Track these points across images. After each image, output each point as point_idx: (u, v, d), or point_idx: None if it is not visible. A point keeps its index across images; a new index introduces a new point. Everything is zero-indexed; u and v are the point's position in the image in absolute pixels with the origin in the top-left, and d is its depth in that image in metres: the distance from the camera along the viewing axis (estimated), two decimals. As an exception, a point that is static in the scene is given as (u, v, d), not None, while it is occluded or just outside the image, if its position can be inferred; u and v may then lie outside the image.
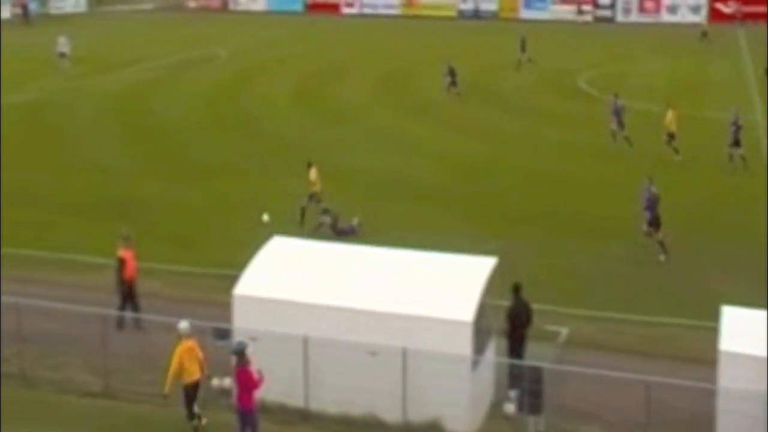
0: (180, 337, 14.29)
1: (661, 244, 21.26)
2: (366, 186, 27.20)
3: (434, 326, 13.98)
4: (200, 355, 14.42)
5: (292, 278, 15.40)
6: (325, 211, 23.02)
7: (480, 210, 24.88)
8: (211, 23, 65.78)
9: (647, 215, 21.42)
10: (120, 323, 17.40)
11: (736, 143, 28.28)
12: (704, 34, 54.84)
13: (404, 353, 13.85)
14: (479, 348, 14.35)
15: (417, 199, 25.83)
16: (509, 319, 15.43)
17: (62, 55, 47.17)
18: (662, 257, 21.16)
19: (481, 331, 14.36)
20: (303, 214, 23.43)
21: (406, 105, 38.74)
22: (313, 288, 15.06)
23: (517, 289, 15.70)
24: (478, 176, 28.17)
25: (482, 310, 14.38)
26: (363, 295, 14.75)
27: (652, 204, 21.35)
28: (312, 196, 23.64)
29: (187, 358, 14.20)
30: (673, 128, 29.26)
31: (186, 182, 27.77)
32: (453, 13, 68.11)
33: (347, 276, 15.36)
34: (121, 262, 17.84)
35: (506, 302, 15.58)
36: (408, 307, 14.33)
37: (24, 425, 14.60)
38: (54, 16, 67.23)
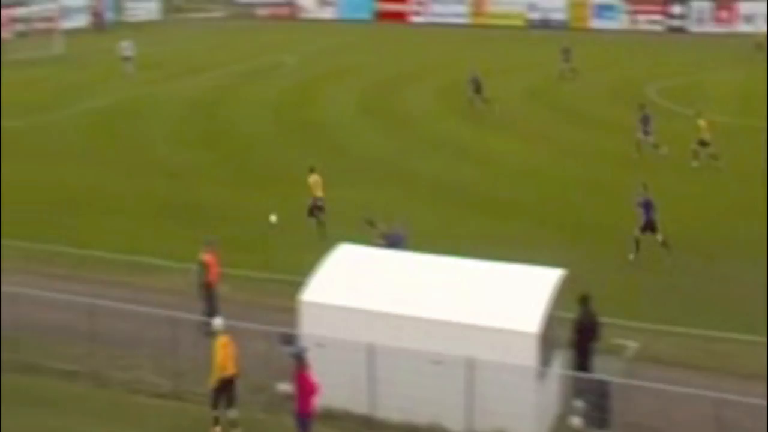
0: (216, 333, 14.57)
1: (664, 244, 21.72)
2: (431, 195, 27.23)
3: (500, 337, 13.96)
4: (234, 351, 14.74)
5: (359, 285, 15.51)
6: (381, 235, 22.26)
7: (547, 221, 24.74)
8: (281, 31, 66.48)
9: (643, 219, 21.85)
10: (209, 330, 17.43)
11: None
12: (759, 45, 53.70)
13: (469, 363, 13.85)
14: (545, 360, 14.28)
15: (483, 209, 25.78)
16: (576, 331, 15.33)
17: (126, 59, 48.19)
18: (667, 259, 21.53)
19: (547, 342, 14.29)
20: (319, 224, 23.70)
21: (473, 114, 38.67)
22: (379, 296, 15.15)
23: (584, 300, 15.59)
24: (544, 186, 28.01)
25: (549, 322, 14.31)
26: (429, 303, 14.80)
27: (648, 209, 21.82)
28: (315, 202, 23.75)
29: (224, 353, 14.52)
30: (706, 136, 29.49)
31: (253, 188, 28.14)
32: (521, 23, 67.77)
33: (413, 284, 15.41)
34: (205, 267, 18.15)
35: (574, 315, 15.47)
36: (473, 317, 14.33)
37: (96, 423, 14.96)
38: (129, 24, 68.60)
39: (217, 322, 14.88)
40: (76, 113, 38.90)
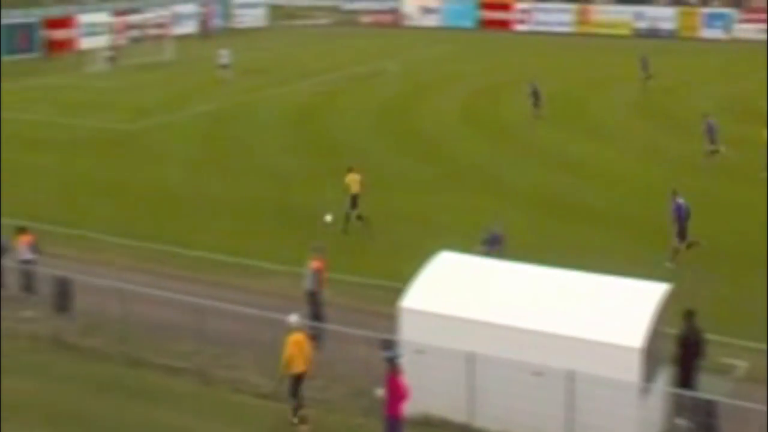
0: (290, 329, 14.85)
1: (675, 251, 21.84)
2: (532, 204, 27.08)
3: (602, 350, 13.83)
4: (308, 350, 14.95)
5: (459, 293, 15.56)
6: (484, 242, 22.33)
7: (651, 233, 24.30)
8: (384, 38, 66.96)
9: (676, 227, 21.94)
10: (312, 334, 17.66)
11: None
12: None
13: (569, 376, 13.76)
14: (649, 375, 14.07)
15: (585, 220, 25.52)
16: (680, 347, 15.07)
17: (224, 66, 49.36)
18: (669, 264, 21.44)
19: (651, 358, 14.08)
20: (360, 218, 24.71)
21: (576, 124, 38.28)
22: (479, 304, 15.16)
23: (689, 316, 15.32)
24: (648, 199, 27.51)
25: (654, 337, 14.10)
26: (530, 314, 14.75)
27: (683, 216, 21.90)
28: (353, 199, 24.74)
29: (295, 349, 14.75)
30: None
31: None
32: (628, 32, 66.69)
33: (514, 294, 15.38)
34: (315, 273, 18.42)
35: (678, 331, 15.20)
36: (575, 329, 14.22)
37: (200, 419, 15.39)
38: (237, 30, 70.14)
39: (293, 318, 15.23)
40: (185, 117, 39.97)
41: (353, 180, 25.35)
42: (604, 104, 41.43)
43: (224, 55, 49.96)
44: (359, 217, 24.95)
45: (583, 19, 68.97)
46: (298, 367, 14.93)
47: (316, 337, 17.01)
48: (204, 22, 67.69)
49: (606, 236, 24.05)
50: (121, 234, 24.49)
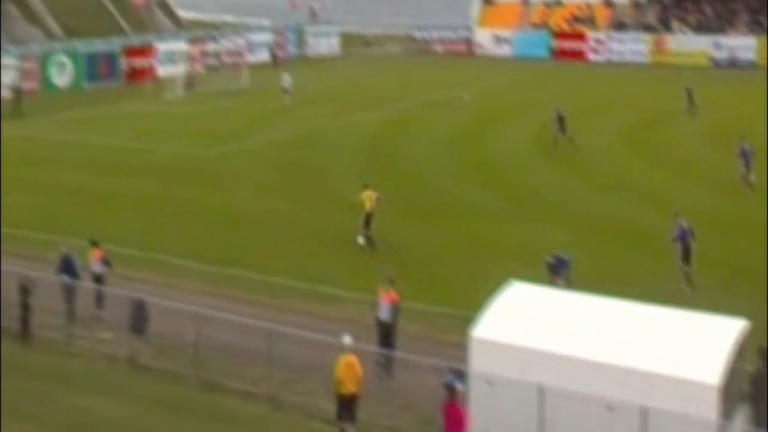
0: (343, 350, 14.94)
1: (687, 275, 22.34)
2: (606, 236, 26.78)
3: (677, 386, 13.57)
4: (359, 372, 15.00)
5: (530, 324, 15.45)
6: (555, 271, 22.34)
7: (729, 269, 23.83)
8: (457, 67, 67.14)
9: (679, 248, 22.48)
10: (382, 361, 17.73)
11: None
12: None
13: (643, 411, 13.53)
14: (726, 413, 13.76)
15: (660, 253, 25.10)
16: (754, 385, 14.72)
17: (285, 91, 50.22)
18: (684, 287, 22.04)
19: (729, 395, 13.77)
20: (368, 238, 25.55)
21: (651, 155, 37.82)
22: (551, 336, 15.03)
23: (764, 353, 14.97)
24: (727, 234, 26.98)
25: (731, 374, 13.80)
26: (603, 347, 14.56)
27: (685, 237, 22.42)
28: (367, 217, 25.49)
29: (345, 371, 14.80)
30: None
31: (426, 222, 28.51)
32: (706, 61, 65.79)
33: (587, 326, 15.21)
34: (394, 305, 18.43)
35: (754, 368, 14.87)
36: (650, 364, 13.99)
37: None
38: (310, 59, 71.06)
39: (346, 339, 15.35)
40: (259, 144, 40.54)
41: (368, 197, 25.73)
42: (676, 134, 40.87)
43: (286, 80, 50.83)
44: (368, 237, 25.45)
45: (658, 49, 68.27)
46: (349, 389, 15.03)
47: (384, 364, 17.06)
48: (274, 51, 68.52)
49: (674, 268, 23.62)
50: (196, 258, 24.89)
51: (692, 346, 14.23)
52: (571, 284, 20.34)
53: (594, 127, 43.88)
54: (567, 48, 71.20)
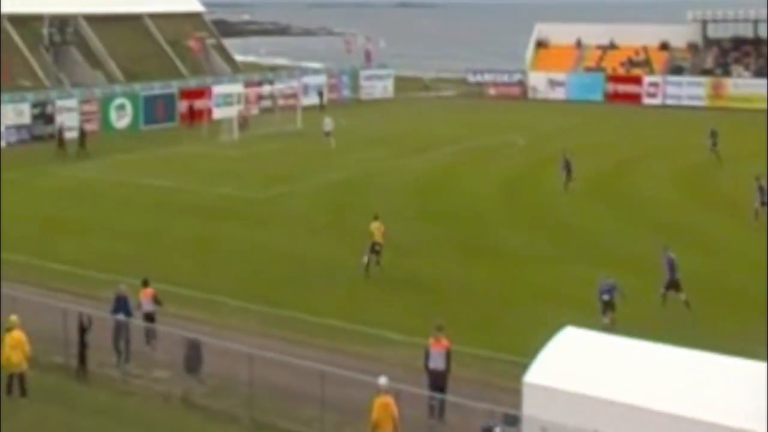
0: (379, 391, 14.95)
1: (686, 303, 23.73)
2: (658, 280, 26.42)
3: (732, 435, 13.33)
4: (395, 413, 14.99)
5: (584, 370, 15.29)
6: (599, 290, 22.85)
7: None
8: (510, 111, 67.21)
9: (666, 277, 24.13)
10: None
11: None
12: None
13: (699, 460, 13.29)
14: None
15: (713, 299, 24.77)
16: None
17: (327, 134, 50.80)
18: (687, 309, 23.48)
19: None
20: (368, 266, 27.18)
21: (707, 201, 37.40)
22: (605, 382, 14.86)
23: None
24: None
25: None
26: (657, 394, 14.36)
27: (672, 268, 24.03)
28: (374, 246, 27.30)
29: (382, 412, 14.82)
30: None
31: (479, 264, 28.46)
32: (765, 105, 64.99)
33: (642, 372, 15.02)
34: (447, 352, 18.31)
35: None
36: (705, 412, 13.76)
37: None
38: (364, 102, 71.72)
39: (382, 380, 15.40)
40: (312, 186, 40.89)
41: (377, 228, 27.68)
42: (735, 181, 40.30)
43: (327, 123, 51.43)
44: (378, 263, 27.32)
45: (716, 93, 67.71)
46: (385, 430, 15.07)
47: (436, 408, 16.97)
48: (321, 94, 68.57)
49: (738, 319, 23.25)
50: (248, 299, 25.10)
51: (750, 395, 13.96)
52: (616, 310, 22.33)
53: (648, 171, 43.59)
54: (622, 91, 70.95)
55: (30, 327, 19.31)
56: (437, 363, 18.18)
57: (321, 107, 65.23)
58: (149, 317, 21.50)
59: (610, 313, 22.43)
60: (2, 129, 52.07)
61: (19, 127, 53.04)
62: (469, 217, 34.99)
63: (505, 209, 36.32)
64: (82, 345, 20.22)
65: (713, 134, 46.08)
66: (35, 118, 53.82)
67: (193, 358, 19.50)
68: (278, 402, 18.01)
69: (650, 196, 38.32)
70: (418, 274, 27.51)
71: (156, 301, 21.79)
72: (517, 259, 28.98)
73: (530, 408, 15.01)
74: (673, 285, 24.10)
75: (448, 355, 18.23)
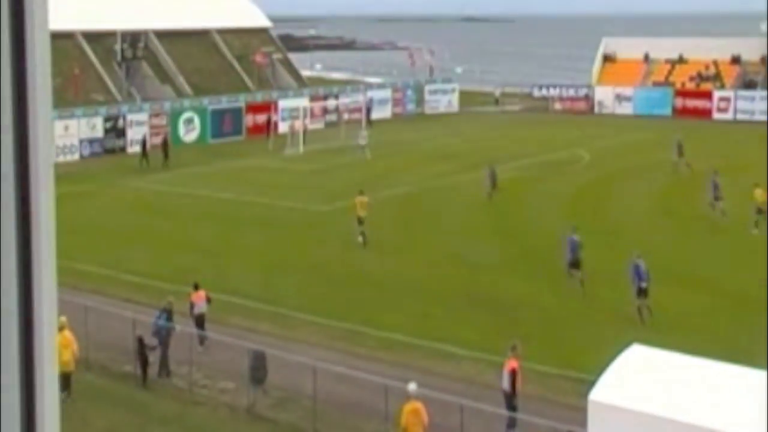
0: (408, 398, 14.93)
1: (582, 282, 26.50)
2: (737, 303, 25.96)
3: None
4: (424, 419, 14.92)
5: (651, 389, 15.11)
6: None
7: None
8: (576, 125, 66.72)
9: (568, 257, 27.20)
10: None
11: None
12: None
13: (769, 483, 13.03)
14: None
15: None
16: None
17: (362, 147, 51.86)
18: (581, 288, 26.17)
19: None
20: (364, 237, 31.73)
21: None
22: (672, 402, 14.67)
23: None
24: None
25: None
26: (726, 415, 14.12)
27: (574, 249, 26.71)
28: (359, 220, 31.90)
29: (411, 418, 14.77)
30: (762, 204, 34.11)
31: (546, 282, 28.27)
32: (837, 120, 63.56)
33: (710, 393, 14.79)
34: (513, 374, 18.42)
35: None
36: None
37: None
38: (428, 116, 71.86)
39: (411, 386, 15.42)
40: (376, 200, 41.02)
41: (361, 202, 32.25)
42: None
43: (363, 137, 52.37)
44: (362, 234, 31.30)
45: (788, 108, 66.37)
46: None
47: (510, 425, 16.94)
48: (368, 110, 66.84)
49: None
50: (314, 311, 25.32)
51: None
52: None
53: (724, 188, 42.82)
54: (691, 106, 69.94)
55: (100, 336, 19.79)
56: (504, 383, 18.17)
57: (368, 122, 64.43)
58: (201, 318, 22.52)
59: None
60: (76, 142, 53.37)
61: (92, 141, 54.32)
62: (536, 232, 34.80)
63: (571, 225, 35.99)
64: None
65: (679, 146, 47.17)
66: (107, 131, 55.07)
67: (259, 369, 19.76)
68: (342, 415, 18.14)
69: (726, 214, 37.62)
70: (484, 289, 27.45)
71: (208, 300, 22.92)
72: (586, 275, 28.70)
73: (595, 426, 14.87)
74: (574, 264, 27.21)
75: (513, 377, 18.14)
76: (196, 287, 23.18)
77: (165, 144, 51.62)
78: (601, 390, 15.12)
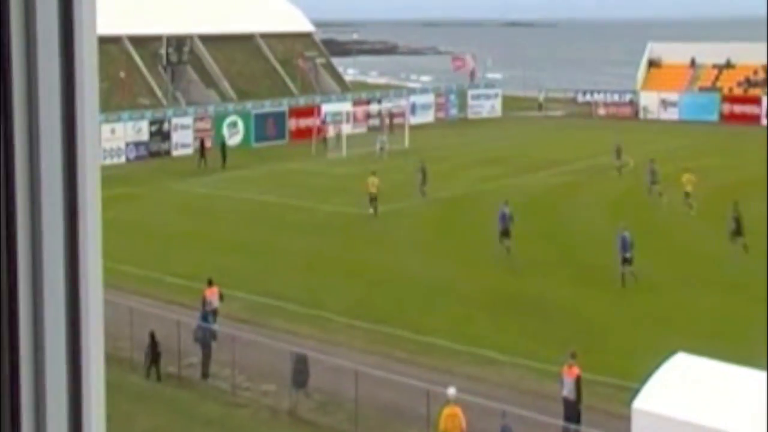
0: (447, 402, 14.89)
1: (508, 249, 30.01)
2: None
3: None
4: (462, 424, 14.86)
5: (695, 397, 14.95)
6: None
7: None
8: (621, 131, 65.99)
9: (500, 227, 31.14)
10: None
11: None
12: None
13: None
14: None
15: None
16: None
17: (381, 149, 53.01)
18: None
19: None
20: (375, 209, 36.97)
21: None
22: (716, 411, 14.50)
23: None
24: None
25: None
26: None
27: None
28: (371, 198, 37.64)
29: (449, 423, 14.73)
30: (689, 189, 38.05)
31: (589, 288, 28.05)
32: None
33: (753, 402, 14.57)
34: (577, 380, 18.24)
35: None
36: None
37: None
38: (471, 121, 71.70)
39: (450, 391, 15.42)
40: (419, 204, 41.06)
41: (372, 183, 38.06)
42: None
43: (383, 141, 53.16)
44: (374, 210, 37.17)
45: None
46: None
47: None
48: (391, 117, 65.17)
49: None
50: (355, 315, 25.35)
51: None
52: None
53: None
54: (738, 112, 69.00)
55: (144, 338, 19.96)
56: (568, 391, 18.00)
57: (390, 127, 63.45)
58: (214, 313, 22.94)
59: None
60: (123, 145, 54.04)
61: (137, 144, 54.97)
62: (580, 238, 34.55)
63: (614, 232, 35.67)
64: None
65: (618, 151, 48.68)
66: (152, 135, 55.70)
67: (300, 372, 19.84)
68: (384, 419, 18.15)
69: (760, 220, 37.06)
70: (529, 294, 27.29)
71: (220, 297, 23.44)
72: (631, 282, 28.44)
73: (639, 435, 14.75)
74: (505, 234, 30.67)
75: (578, 384, 17.95)
76: (210, 283, 23.70)
77: (223, 147, 52.69)
78: (645, 398, 14.99)
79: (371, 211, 38.12)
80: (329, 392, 19.16)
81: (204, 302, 23.19)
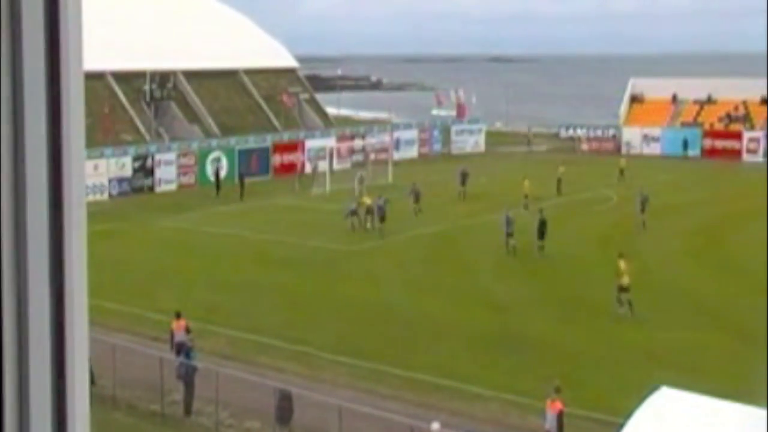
0: None
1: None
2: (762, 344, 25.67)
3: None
4: None
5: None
6: None
7: None
8: (603, 165, 66.48)
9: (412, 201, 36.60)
10: None
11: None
12: None
13: None
14: None
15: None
16: None
17: (360, 182, 53.24)
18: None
19: None
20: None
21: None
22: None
23: None
24: None
25: None
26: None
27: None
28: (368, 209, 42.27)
29: None
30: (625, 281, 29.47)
31: (575, 323, 28.08)
32: None
33: (740, 438, 14.56)
34: (560, 415, 18.30)
35: None
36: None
37: None
38: (455, 156, 71.97)
39: (434, 426, 15.40)
40: (402, 240, 41.09)
41: (360, 202, 41.74)
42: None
43: (361, 177, 53.64)
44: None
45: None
46: None
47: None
48: (367, 154, 65.48)
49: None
50: (340, 351, 25.26)
51: None
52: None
53: (748, 232, 42.55)
54: (720, 147, 69.64)
55: (127, 375, 19.81)
56: (549, 425, 18.03)
57: (373, 162, 63.34)
58: (180, 346, 22.83)
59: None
60: (106, 181, 53.93)
61: (120, 180, 54.89)
62: (565, 274, 34.61)
63: (600, 268, 35.77)
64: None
65: (463, 175, 51.41)
66: (135, 171, 55.65)
67: (285, 408, 19.71)
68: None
69: (746, 256, 37.33)
70: (513, 331, 27.26)
71: (187, 330, 23.36)
72: (615, 318, 28.48)
73: (624, 470, 14.67)
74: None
75: (560, 419, 17.99)
76: (178, 316, 23.87)
77: (241, 178, 54.26)
78: (629, 433, 14.94)
79: (368, 225, 41.89)
80: (314, 429, 19.03)
81: (172, 335, 23.46)
